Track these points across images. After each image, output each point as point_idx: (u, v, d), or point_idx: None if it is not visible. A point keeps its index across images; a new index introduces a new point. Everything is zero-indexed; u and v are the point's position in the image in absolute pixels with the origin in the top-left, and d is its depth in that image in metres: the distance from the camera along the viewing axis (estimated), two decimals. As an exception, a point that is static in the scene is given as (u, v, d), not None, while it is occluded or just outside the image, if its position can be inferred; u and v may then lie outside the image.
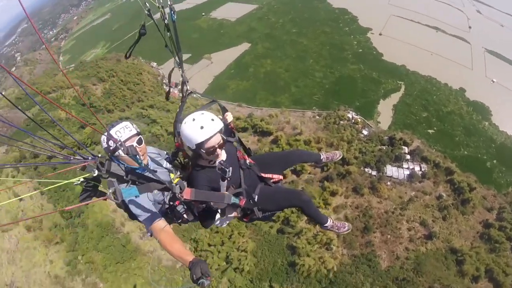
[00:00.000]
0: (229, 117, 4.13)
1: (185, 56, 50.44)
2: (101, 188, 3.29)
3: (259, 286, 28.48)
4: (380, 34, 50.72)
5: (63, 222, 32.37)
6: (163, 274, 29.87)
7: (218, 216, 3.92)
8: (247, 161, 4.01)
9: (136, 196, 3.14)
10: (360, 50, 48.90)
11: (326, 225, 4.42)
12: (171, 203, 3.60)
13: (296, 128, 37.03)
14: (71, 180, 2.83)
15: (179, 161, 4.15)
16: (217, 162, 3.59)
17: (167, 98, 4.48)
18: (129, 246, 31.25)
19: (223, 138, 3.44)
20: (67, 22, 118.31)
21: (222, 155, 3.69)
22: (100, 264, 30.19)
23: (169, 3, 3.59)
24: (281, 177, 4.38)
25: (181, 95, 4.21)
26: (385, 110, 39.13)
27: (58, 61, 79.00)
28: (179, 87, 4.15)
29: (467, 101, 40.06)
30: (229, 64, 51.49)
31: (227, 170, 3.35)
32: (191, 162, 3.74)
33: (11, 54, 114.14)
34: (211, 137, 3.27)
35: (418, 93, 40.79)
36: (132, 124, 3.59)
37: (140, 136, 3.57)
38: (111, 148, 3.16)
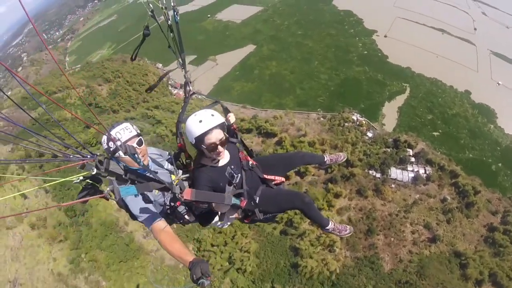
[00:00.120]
0: (232, 118, 4.13)
1: (190, 58, 50.78)
2: (101, 188, 3.31)
3: (261, 287, 28.46)
4: (385, 36, 50.65)
5: (67, 220, 32.50)
6: (166, 274, 29.91)
7: (217, 218, 3.92)
8: (250, 163, 4.01)
9: (135, 196, 3.15)
10: (365, 52, 48.87)
11: (327, 228, 4.39)
12: (172, 203, 3.59)
13: (301, 130, 37.01)
14: (69, 178, 2.86)
15: (181, 162, 4.16)
16: (220, 162, 3.62)
17: (148, 90, 4.47)
18: (132, 245, 31.33)
19: (225, 135, 3.45)
20: (73, 23, 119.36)
21: (225, 155, 3.71)
22: (103, 262, 30.28)
23: (172, 4, 3.61)
24: (283, 179, 4.37)
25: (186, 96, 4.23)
26: (390, 112, 39.04)
27: (64, 61, 79.65)
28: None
29: (472, 103, 39.90)
30: (234, 66, 51.66)
31: (236, 176, 3.40)
32: (195, 161, 3.76)
33: (17, 54, 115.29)
34: (210, 130, 3.28)
35: (423, 96, 40.66)
36: (133, 125, 3.61)
37: (140, 137, 3.59)
38: (111, 149, 3.18)
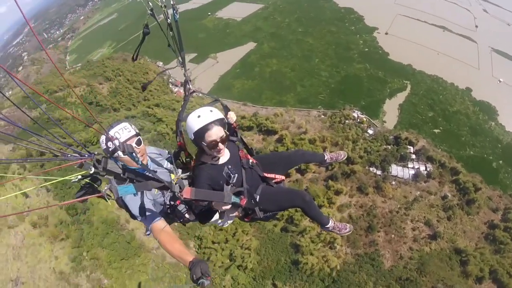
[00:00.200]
0: (232, 116, 4.12)
1: (191, 56, 50.72)
2: (101, 187, 3.31)
3: (262, 284, 28.54)
4: (386, 33, 50.51)
5: (69, 219, 32.56)
6: (167, 271, 29.98)
7: (217, 216, 3.92)
8: (250, 161, 4.01)
9: (134, 195, 3.15)
10: (366, 50, 48.76)
11: (327, 226, 4.39)
12: (172, 202, 3.58)
13: (301, 127, 36.98)
14: (67, 177, 2.87)
15: (182, 161, 4.16)
16: (220, 159, 3.63)
17: (143, 88, 4.47)
18: (133, 243, 31.39)
19: (226, 133, 3.47)
20: (73, 22, 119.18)
21: (225, 153, 3.71)
22: (105, 260, 30.35)
23: (172, 3, 3.61)
24: (283, 177, 4.37)
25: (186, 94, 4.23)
26: (391, 110, 38.99)
27: (65, 60, 79.68)
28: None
29: (474, 100, 39.80)
30: (234, 64, 51.53)
31: (232, 176, 3.39)
32: (195, 158, 3.76)
33: (18, 54, 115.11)
34: (208, 125, 3.29)
35: (424, 93, 40.58)
36: (131, 125, 3.61)
37: (139, 137, 3.59)
38: (110, 149, 3.19)
